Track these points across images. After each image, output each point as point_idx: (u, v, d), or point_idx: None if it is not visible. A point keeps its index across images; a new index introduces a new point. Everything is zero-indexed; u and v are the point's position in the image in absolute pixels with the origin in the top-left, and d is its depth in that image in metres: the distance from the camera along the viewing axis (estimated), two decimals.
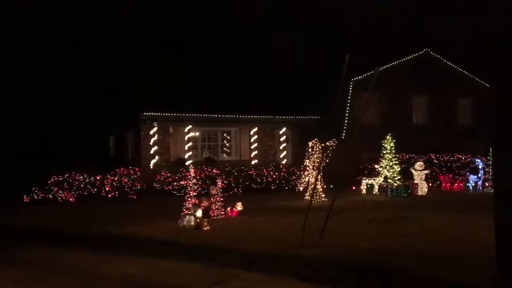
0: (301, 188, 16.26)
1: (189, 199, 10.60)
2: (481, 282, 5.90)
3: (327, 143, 15.32)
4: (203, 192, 16.79)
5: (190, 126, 21.68)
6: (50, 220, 11.91)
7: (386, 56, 23.82)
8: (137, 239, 8.54)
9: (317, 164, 15.57)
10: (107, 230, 9.62)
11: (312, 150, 15.75)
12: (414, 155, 21.40)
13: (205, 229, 9.66)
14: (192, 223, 9.96)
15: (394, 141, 18.30)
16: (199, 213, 10.13)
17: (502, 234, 6.17)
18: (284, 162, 23.28)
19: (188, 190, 10.76)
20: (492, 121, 6.34)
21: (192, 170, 11.02)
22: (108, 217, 12.29)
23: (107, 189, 19.08)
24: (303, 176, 16.25)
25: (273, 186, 20.67)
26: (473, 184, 19.36)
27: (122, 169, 19.54)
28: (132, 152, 23.43)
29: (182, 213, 10.40)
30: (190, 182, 10.82)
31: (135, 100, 22.23)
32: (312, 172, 15.74)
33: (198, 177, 19.62)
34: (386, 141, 18.17)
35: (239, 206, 12.32)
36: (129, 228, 9.99)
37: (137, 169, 19.80)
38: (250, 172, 20.56)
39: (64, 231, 9.66)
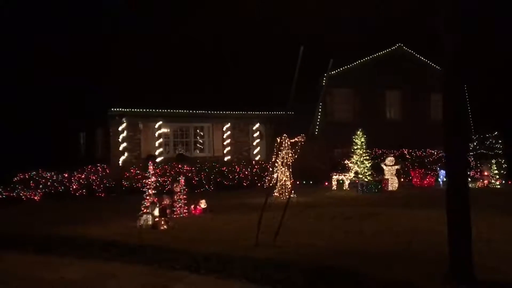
0: (270, 185, 16.01)
1: (147, 197, 10.27)
2: (428, 281, 5.77)
3: (296, 139, 15.13)
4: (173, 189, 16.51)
5: (160, 122, 21.26)
6: None
7: (359, 51, 23.77)
8: (87, 240, 8.20)
9: (285, 160, 15.39)
10: (58, 231, 9.24)
11: (281, 146, 15.52)
12: (386, 150, 21.42)
13: (162, 228, 9.36)
14: (150, 222, 9.65)
15: (366, 136, 18.22)
16: (156, 212, 9.83)
17: (453, 232, 6.07)
18: (257, 158, 23.06)
19: (147, 188, 10.43)
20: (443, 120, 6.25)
21: (151, 167, 10.68)
22: (67, 217, 11.88)
23: (74, 187, 18.58)
24: (272, 173, 16.01)
25: (246, 182, 20.41)
26: (444, 179, 19.42)
27: (89, 167, 19.06)
28: (102, 149, 22.92)
29: (141, 212, 10.08)
30: (149, 180, 10.48)
31: (104, 96, 21.69)
32: (280, 168, 15.53)
33: (168, 174, 19.35)
34: (356, 136, 18.07)
35: (202, 204, 12.04)
36: (83, 228, 9.63)
37: (105, 166, 19.32)
38: (222, 169, 20.24)
39: (7, 232, 9.23)
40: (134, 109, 20.40)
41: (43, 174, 18.32)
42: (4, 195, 17.58)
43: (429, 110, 25.92)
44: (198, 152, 23.31)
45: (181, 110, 21.47)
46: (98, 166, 19.08)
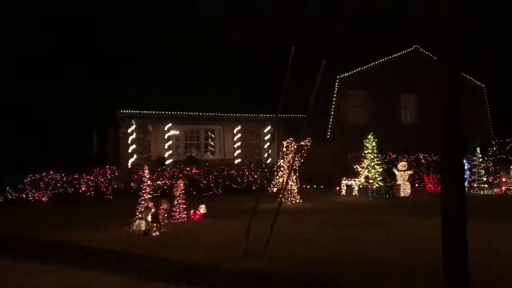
0: (275, 190, 15.64)
1: (142, 202, 10.04)
2: None
3: (302, 143, 14.72)
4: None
5: (170, 124, 21.13)
6: None
7: (374, 53, 23.20)
8: (74, 246, 7.98)
9: (292, 164, 14.97)
10: (48, 235, 9.06)
11: (287, 150, 15.14)
12: (399, 155, 20.80)
13: (154, 234, 9.10)
14: (143, 228, 9.41)
15: (377, 140, 17.67)
16: (150, 217, 9.59)
17: (447, 248, 5.62)
18: (269, 161, 22.70)
19: (142, 192, 10.20)
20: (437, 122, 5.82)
21: (147, 171, 10.46)
22: (66, 219, 11.76)
23: (83, 188, 18.61)
24: (277, 177, 15.63)
25: (255, 186, 20.07)
26: None
27: (98, 168, 19.06)
28: (112, 150, 22.95)
29: (135, 217, 9.85)
30: (144, 184, 10.26)
31: (114, 98, 21.70)
32: (287, 173, 15.12)
33: (175, 176, 19.19)
34: (367, 140, 17.54)
35: (202, 209, 11.76)
36: (76, 233, 9.45)
37: (114, 168, 19.28)
38: (230, 172, 19.98)
39: None
40: (144, 111, 20.32)
41: (53, 175, 18.44)
42: (13, 196, 17.73)
43: None
44: (209, 154, 23.13)
45: (191, 112, 21.30)
46: (107, 167, 19.07)
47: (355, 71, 22.71)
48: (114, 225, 10.61)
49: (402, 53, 23.84)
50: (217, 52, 23.95)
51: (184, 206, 11.61)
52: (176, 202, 11.45)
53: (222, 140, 23.25)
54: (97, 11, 27.51)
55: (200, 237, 9.18)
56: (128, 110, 20.00)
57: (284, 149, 15.21)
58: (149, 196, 10.30)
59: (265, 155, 23.30)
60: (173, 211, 11.40)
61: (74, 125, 26.10)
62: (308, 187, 21.02)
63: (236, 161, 22.32)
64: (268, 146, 23.37)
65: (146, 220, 9.51)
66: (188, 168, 19.50)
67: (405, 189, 17.42)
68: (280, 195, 8.75)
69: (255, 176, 20.22)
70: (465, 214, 5.63)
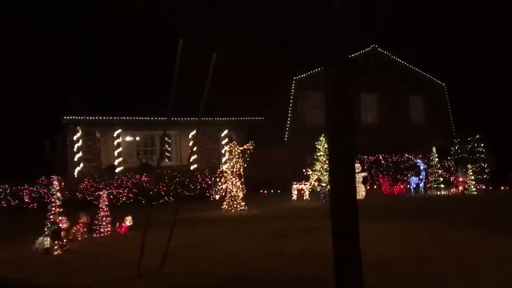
0: (217, 197, 14.89)
1: (51, 217, 9.19)
2: None
3: (245, 146, 14.04)
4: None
5: (119, 130, 20.19)
6: None
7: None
8: None
9: (235, 170, 14.29)
10: None
11: (230, 155, 14.44)
12: (360, 156, 20.31)
13: (56, 253, 8.26)
14: (46, 246, 8.55)
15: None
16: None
17: (338, 257, 5.07)
18: (226, 166, 21.94)
19: (51, 206, 9.35)
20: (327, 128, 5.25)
21: (56, 182, 9.62)
22: None
23: (26, 200, 17.67)
24: (220, 183, 14.88)
25: (208, 192, 19.28)
26: (414, 186, 18.26)
27: (42, 178, 18.10)
28: (61, 159, 21.91)
29: (44, 233, 8.99)
30: (53, 197, 9.42)
31: (60, 104, 20.67)
32: (230, 179, 14.41)
33: (124, 185, 18.32)
34: (319, 142, 16.94)
35: (128, 221, 10.94)
36: None
37: (59, 177, 18.25)
38: (183, 178, 19.16)
39: None
40: (89, 116, 19.31)
41: None
42: None
43: (407, 113, 24.78)
44: (167, 161, 22.26)
45: (142, 117, 20.38)
46: (51, 178, 18.10)
47: (312, 72, 22.13)
48: (25, 241, 9.71)
49: (360, 53, 23.33)
50: (170, 55, 23.09)
51: (109, 218, 10.79)
52: (99, 214, 10.63)
53: (179, 145, 22.41)
54: (40, 14, 26.46)
55: (107, 254, 8.38)
56: (73, 116, 18.98)
57: (227, 154, 14.49)
58: (59, 209, 9.44)
59: (223, 160, 22.53)
60: (96, 224, 10.58)
61: (24, 133, 24.95)
62: (265, 192, 20.37)
63: (192, 167, 21.48)
64: (226, 150, 22.61)
65: (51, 237, 8.65)
66: (137, 176, 18.63)
67: (359, 192, 16.79)
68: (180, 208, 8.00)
69: (209, 182, 19.46)
70: (357, 229, 5.13)
